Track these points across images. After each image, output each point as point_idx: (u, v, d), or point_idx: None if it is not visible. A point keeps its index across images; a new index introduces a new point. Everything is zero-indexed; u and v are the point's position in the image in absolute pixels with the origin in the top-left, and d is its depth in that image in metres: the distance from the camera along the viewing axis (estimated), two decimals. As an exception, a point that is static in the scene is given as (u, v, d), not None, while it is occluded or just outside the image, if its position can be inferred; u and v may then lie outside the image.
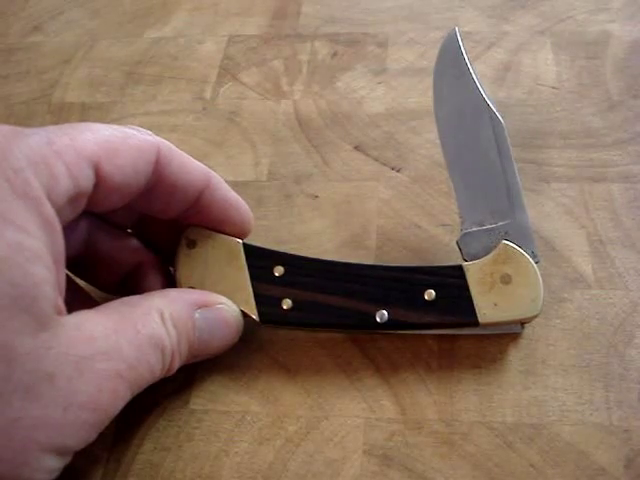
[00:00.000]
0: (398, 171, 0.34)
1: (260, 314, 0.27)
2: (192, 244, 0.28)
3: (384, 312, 0.27)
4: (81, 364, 0.21)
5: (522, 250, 0.27)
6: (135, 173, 0.24)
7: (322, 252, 0.32)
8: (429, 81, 0.38)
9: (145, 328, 0.23)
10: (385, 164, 0.35)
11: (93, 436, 0.22)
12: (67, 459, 0.22)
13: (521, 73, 0.38)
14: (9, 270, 0.19)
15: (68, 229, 0.26)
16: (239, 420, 0.27)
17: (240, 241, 0.28)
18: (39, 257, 0.20)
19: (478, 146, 0.28)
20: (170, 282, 0.29)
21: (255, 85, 0.40)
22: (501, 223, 0.28)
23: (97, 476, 0.26)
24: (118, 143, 0.24)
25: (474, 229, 0.28)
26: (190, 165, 0.26)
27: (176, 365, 0.25)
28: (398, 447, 0.26)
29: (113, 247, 0.28)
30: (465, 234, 0.28)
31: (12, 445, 0.20)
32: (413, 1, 0.43)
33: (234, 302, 0.27)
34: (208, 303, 0.26)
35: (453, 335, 0.28)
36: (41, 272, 0.20)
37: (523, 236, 0.27)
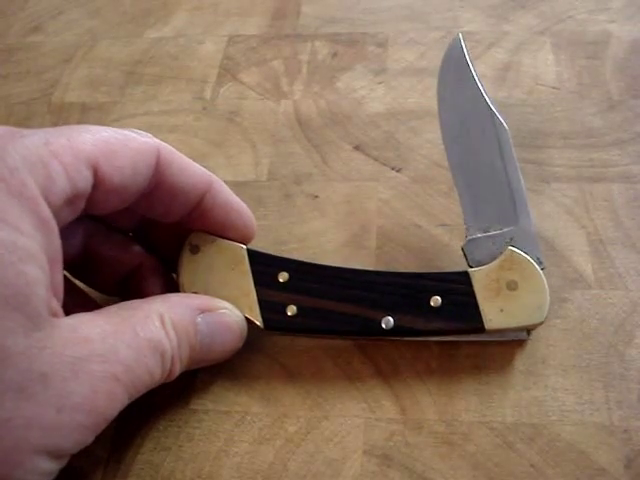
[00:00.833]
0: (398, 171, 0.34)
1: (264, 320, 0.27)
2: (195, 249, 0.28)
3: (389, 318, 0.27)
4: (76, 365, 0.21)
5: (528, 256, 0.27)
6: (134, 175, 0.24)
7: (322, 252, 0.32)
8: (429, 81, 0.38)
9: (144, 331, 0.23)
10: (385, 164, 0.35)
11: (89, 439, 0.22)
12: (63, 462, 0.22)
13: (521, 73, 0.38)
14: (1, 269, 0.19)
15: (68, 231, 0.26)
16: (239, 420, 0.27)
17: (244, 246, 0.28)
18: (33, 257, 0.20)
19: (482, 152, 0.28)
20: (171, 286, 0.29)
21: (255, 85, 0.40)
22: (506, 229, 0.27)
23: (97, 476, 0.26)
24: (117, 145, 0.24)
25: (479, 235, 0.28)
26: (191, 168, 0.26)
27: (177, 370, 0.25)
28: (398, 447, 0.26)
29: (112, 250, 0.28)
30: (470, 240, 0.28)
31: (3, 445, 0.19)
32: (413, 1, 0.43)
33: (238, 308, 0.27)
34: (210, 308, 0.26)
35: (453, 336, 0.28)
36: (34, 272, 0.20)
37: (528, 242, 0.27)
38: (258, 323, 0.27)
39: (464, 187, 0.28)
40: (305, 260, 0.28)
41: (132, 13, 0.46)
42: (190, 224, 0.28)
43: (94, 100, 0.40)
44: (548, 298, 0.26)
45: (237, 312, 0.27)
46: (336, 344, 0.28)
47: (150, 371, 0.23)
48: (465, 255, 0.28)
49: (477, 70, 0.29)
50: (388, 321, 0.27)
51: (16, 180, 0.20)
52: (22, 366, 0.20)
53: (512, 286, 0.26)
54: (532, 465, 0.25)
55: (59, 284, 0.22)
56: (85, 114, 0.40)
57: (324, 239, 0.32)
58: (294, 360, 0.28)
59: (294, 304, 0.27)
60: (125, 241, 0.28)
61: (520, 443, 0.25)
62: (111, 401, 0.22)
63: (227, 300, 0.27)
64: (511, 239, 0.27)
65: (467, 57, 0.29)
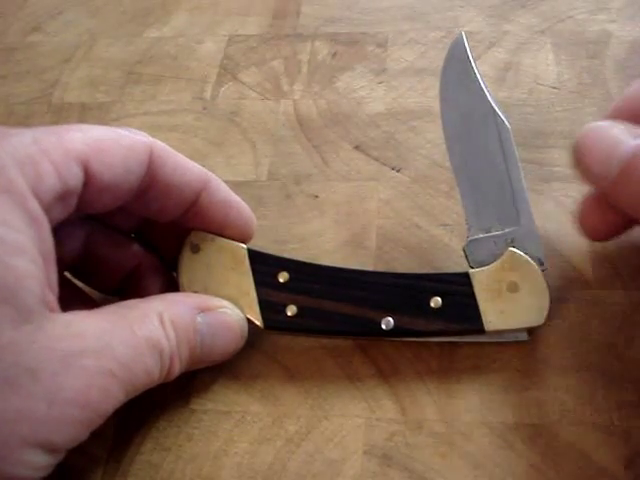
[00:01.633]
0: (398, 171, 0.34)
1: (264, 320, 0.27)
2: (196, 249, 0.28)
3: (390, 319, 0.27)
4: (67, 359, 0.21)
5: (529, 258, 0.27)
6: (126, 172, 0.24)
7: (322, 252, 0.32)
8: (429, 81, 0.38)
9: (142, 330, 0.23)
10: (385, 164, 0.35)
11: (84, 434, 0.22)
12: (58, 457, 0.21)
13: (521, 73, 0.38)
14: None
15: (68, 232, 0.26)
16: (239, 420, 0.27)
17: (244, 246, 0.28)
18: (22, 251, 0.20)
19: (485, 152, 0.28)
20: (171, 286, 0.29)
21: (255, 85, 0.40)
22: (508, 229, 0.27)
23: (97, 476, 0.26)
24: (108, 142, 0.24)
25: (480, 236, 0.28)
26: (186, 166, 0.26)
27: (176, 369, 0.24)
28: (398, 447, 0.26)
29: (112, 250, 0.28)
30: (471, 241, 0.28)
31: None
32: (413, 1, 0.43)
33: (238, 308, 0.27)
34: (210, 307, 0.26)
35: (453, 335, 0.28)
36: (25, 265, 0.20)
37: (530, 242, 0.27)
38: (258, 323, 0.27)
39: (466, 187, 0.28)
40: (305, 260, 0.28)
41: (132, 13, 0.46)
42: (188, 223, 0.28)
43: (94, 100, 0.40)
44: (549, 300, 0.26)
45: (237, 311, 0.27)
46: (336, 344, 0.28)
47: (148, 370, 0.23)
48: (466, 256, 0.28)
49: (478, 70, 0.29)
50: (388, 322, 0.27)
51: (4, 177, 0.20)
52: (9, 359, 0.20)
53: (513, 288, 0.26)
54: (532, 465, 0.25)
55: (53, 280, 0.22)
56: (85, 114, 0.40)
57: (324, 239, 0.32)
58: (294, 360, 0.28)
59: (294, 304, 0.27)
60: (125, 241, 0.28)
61: (520, 443, 0.25)
62: (106, 397, 0.22)
63: (227, 299, 0.27)
64: (512, 240, 0.27)
65: (470, 55, 0.29)
